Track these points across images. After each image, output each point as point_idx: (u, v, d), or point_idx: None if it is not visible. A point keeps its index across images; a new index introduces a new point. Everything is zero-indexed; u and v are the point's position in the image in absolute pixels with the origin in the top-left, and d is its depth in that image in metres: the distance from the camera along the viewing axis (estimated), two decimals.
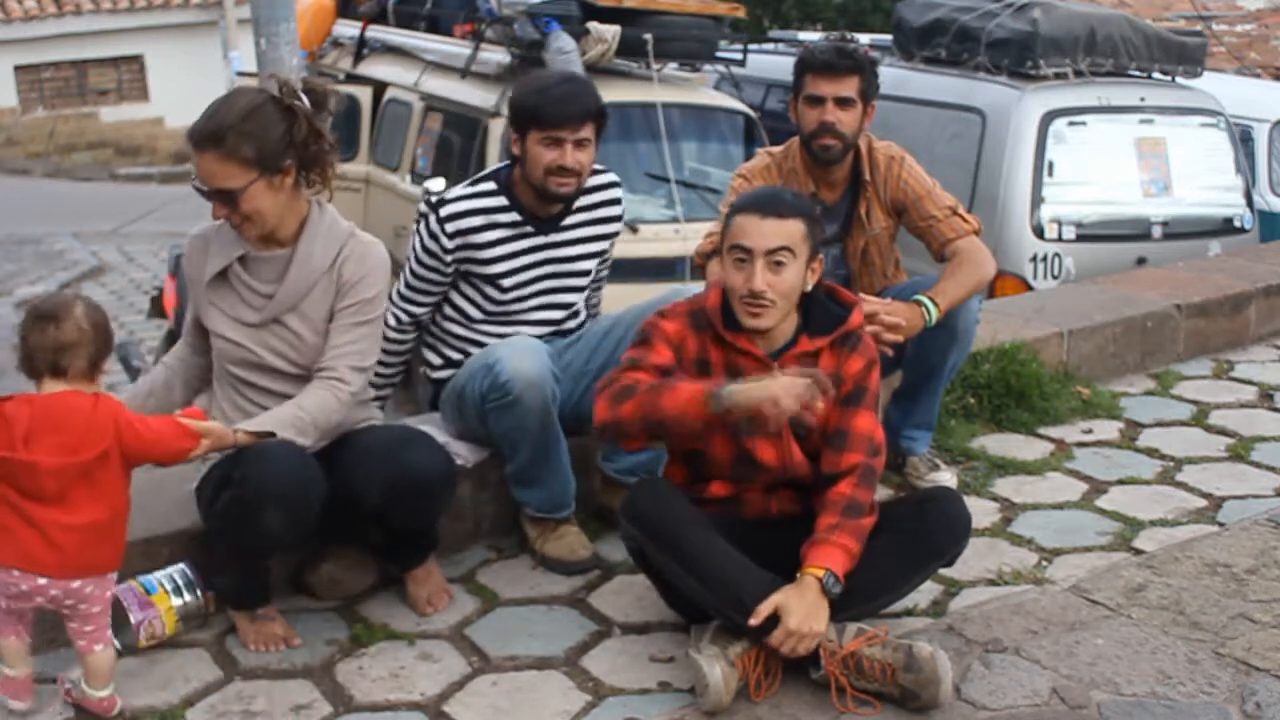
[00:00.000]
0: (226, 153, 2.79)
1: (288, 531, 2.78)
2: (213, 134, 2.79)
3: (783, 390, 2.64)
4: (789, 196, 2.96)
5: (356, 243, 2.98)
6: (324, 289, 2.94)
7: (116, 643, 2.74)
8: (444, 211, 3.35)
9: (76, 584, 2.55)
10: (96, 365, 2.59)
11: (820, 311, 2.92)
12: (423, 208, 3.41)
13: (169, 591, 2.91)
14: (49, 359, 2.55)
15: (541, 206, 3.38)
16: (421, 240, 3.39)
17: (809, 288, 2.88)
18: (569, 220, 3.43)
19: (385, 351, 3.52)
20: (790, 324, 2.90)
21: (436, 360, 3.52)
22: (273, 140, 2.81)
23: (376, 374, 3.51)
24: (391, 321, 3.49)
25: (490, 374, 3.16)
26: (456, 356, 3.46)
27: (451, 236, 3.34)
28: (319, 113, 2.90)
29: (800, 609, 2.63)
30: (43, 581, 2.53)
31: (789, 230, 2.81)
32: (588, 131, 3.30)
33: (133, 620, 2.85)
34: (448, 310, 3.50)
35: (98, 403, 2.55)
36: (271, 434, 2.76)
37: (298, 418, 2.82)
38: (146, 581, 2.91)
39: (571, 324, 3.52)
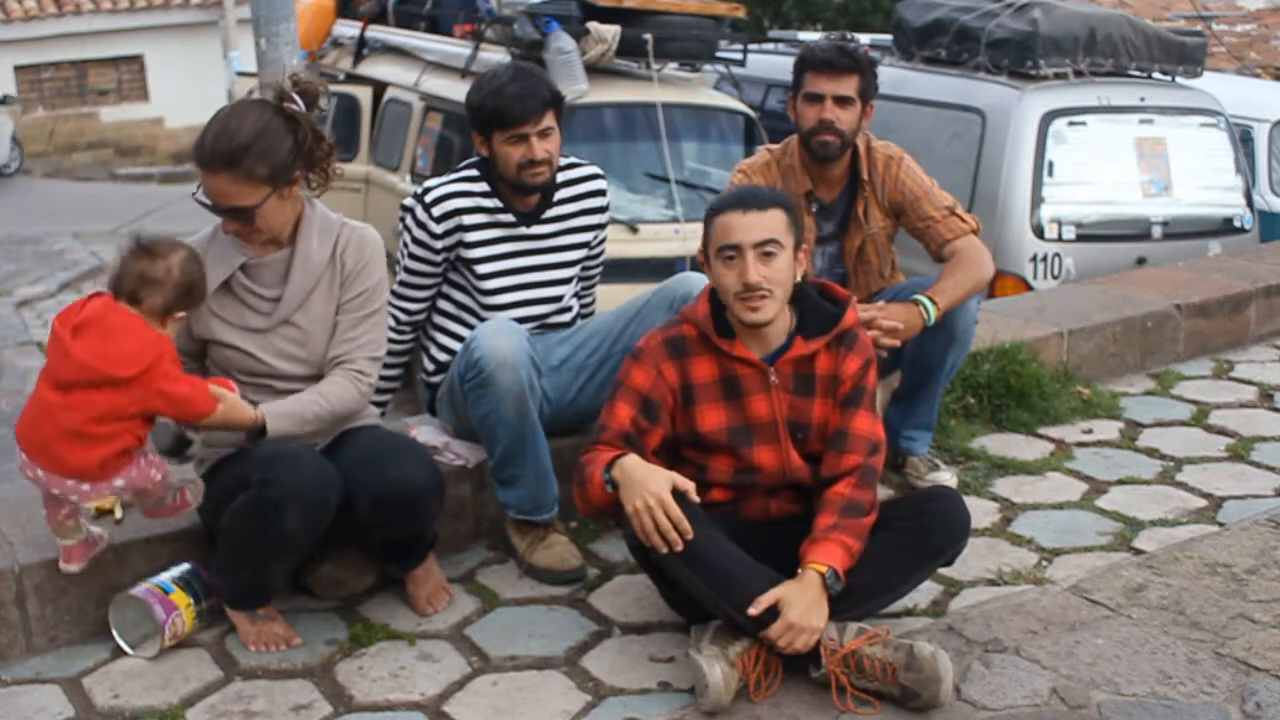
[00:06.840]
0: (242, 174, 2.77)
1: (305, 533, 2.79)
2: (226, 156, 2.76)
3: (643, 507, 2.68)
4: (764, 190, 2.97)
5: (351, 231, 3.00)
6: (328, 281, 2.96)
7: (128, 648, 2.89)
8: (430, 197, 3.37)
9: (45, 479, 2.67)
10: (170, 310, 2.71)
11: (814, 311, 2.92)
12: (408, 202, 3.42)
13: (184, 589, 2.92)
14: (131, 285, 2.68)
15: (520, 200, 3.40)
16: (410, 234, 3.39)
17: (799, 278, 2.88)
18: (550, 213, 3.45)
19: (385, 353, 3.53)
20: (784, 325, 2.89)
21: (430, 366, 3.53)
22: (284, 155, 2.81)
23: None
24: (390, 323, 3.49)
25: (467, 352, 3.17)
26: (446, 359, 3.46)
27: (440, 220, 3.35)
28: (312, 111, 2.90)
29: (801, 603, 2.64)
30: (39, 474, 2.67)
31: (772, 220, 2.82)
32: (549, 120, 3.32)
33: (158, 619, 2.85)
34: (439, 310, 3.50)
35: (151, 340, 2.65)
36: (264, 428, 2.78)
37: (320, 406, 2.87)
38: (162, 582, 2.92)
39: (562, 318, 3.51)
